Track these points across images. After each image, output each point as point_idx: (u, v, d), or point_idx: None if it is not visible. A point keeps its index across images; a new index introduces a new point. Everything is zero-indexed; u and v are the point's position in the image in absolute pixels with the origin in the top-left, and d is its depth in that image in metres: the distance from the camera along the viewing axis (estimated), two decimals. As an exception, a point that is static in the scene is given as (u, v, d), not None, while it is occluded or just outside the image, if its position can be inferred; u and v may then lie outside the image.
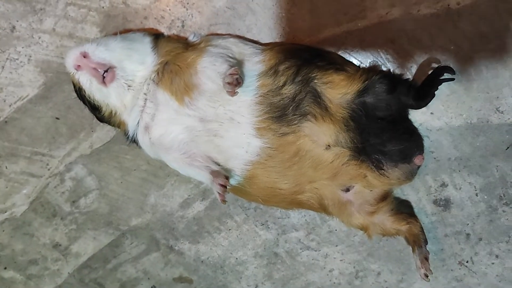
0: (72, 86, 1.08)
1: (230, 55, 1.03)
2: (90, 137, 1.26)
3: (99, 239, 1.33)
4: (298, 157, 1.02)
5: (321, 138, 1.00)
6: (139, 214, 1.30)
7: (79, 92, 1.05)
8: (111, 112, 1.05)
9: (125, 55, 1.02)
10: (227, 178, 0.99)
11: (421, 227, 1.12)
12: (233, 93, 0.94)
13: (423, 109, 1.11)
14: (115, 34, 1.08)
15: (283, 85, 1.00)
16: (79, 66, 1.01)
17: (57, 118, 1.25)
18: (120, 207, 1.30)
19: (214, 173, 0.99)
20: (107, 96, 1.03)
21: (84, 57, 1.00)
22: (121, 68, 1.02)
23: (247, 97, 1.00)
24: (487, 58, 1.09)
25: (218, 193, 0.97)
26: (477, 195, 1.16)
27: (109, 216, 1.31)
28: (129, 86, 1.02)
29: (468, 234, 1.19)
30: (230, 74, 0.94)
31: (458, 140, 1.14)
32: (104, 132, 1.26)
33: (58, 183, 1.30)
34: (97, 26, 1.19)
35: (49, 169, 1.29)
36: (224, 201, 0.97)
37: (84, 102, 1.07)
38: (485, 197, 1.16)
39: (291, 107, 0.99)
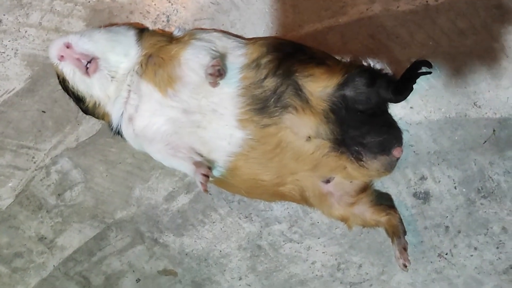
0: (57, 79, 1.09)
1: (213, 48, 1.05)
2: (76, 131, 1.27)
3: (84, 232, 1.34)
4: (279, 149, 1.04)
5: (302, 130, 1.02)
6: (124, 207, 1.31)
7: (63, 83, 1.07)
8: (95, 103, 1.07)
9: (108, 47, 1.04)
10: (209, 168, 1.00)
11: (400, 218, 1.14)
12: (215, 84, 0.97)
13: (403, 103, 1.14)
14: (100, 27, 1.09)
15: (265, 78, 1.02)
16: (62, 56, 1.03)
17: (43, 112, 1.27)
18: (105, 200, 1.31)
19: (197, 164, 1.01)
20: (90, 87, 1.05)
21: (68, 47, 1.02)
22: (105, 59, 1.04)
23: (230, 89, 1.02)
24: (465, 53, 1.12)
25: (201, 182, 0.99)
26: (455, 188, 1.19)
27: (94, 209, 1.32)
28: (112, 77, 1.04)
29: (447, 227, 1.21)
30: (212, 66, 0.97)
31: (437, 134, 1.17)
32: (90, 126, 1.27)
33: (44, 176, 1.31)
34: (83, 20, 1.21)
35: (35, 162, 1.30)
36: (206, 190, 0.99)
37: (68, 93, 1.09)
38: (464, 190, 1.19)
39: (273, 99, 1.01)
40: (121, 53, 1.05)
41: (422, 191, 1.20)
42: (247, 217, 1.28)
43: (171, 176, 1.28)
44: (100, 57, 1.03)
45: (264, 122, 1.02)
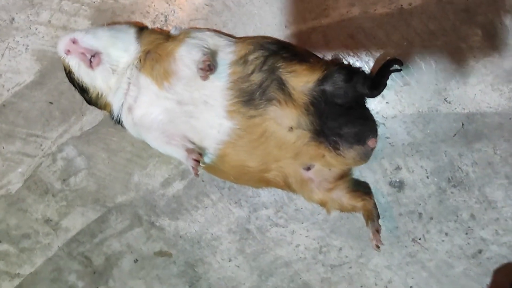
0: (64, 72, 1.18)
1: (205, 45, 1.12)
2: (80, 121, 1.35)
3: (87, 215, 1.42)
4: (264, 138, 1.11)
5: (285, 121, 1.10)
6: (124, 192, 1.38)
7: (69, 75, 1.15)
8: (98, 94, 1.15)
9: (110, 43, 1.13)
10: (200, 154, 1.08)
11: (375, 204, 1.22)
12: (205, 78, 1.05)
13: (379, 98, 1.22)
14: (104, 25, 1.18)
15: (252, 73, 1.10)
16: (68, 50, 1.11)
17: (51, 103, 1.35)
18: (107, 185, 1.39)
19: (189, 150, 1.09)
20: (94, 79, 1.13)
21: (74, 43, 1.11)
22: (107, 54, 1.12)
23: (220, 83, 1.09)
24: (436, 53, 1.19)
25: (192, 167, 1.06)
26: (428, 178, 1.26)
27: (96, 194, 1.40)
28: (113, 70, 1.12)
29: (420, 214, 1.29)
30: (203, 61, 1.05)
31: (411, 127, 1.24)
32: (93, 116, 1.34)
33: (50, 163, 1.38)
34: (89, 19, 1.29)
35: (42, 150, 1.38)
36: (197, 174, 1.06)
37: (73, 85, 1.17)
38: (435, 179, 1.26)
39: (258, 93, 1.09)
40: (121, 49, 1.13)
41: (397, 180, 1.27)
42: (236, 202, 1.35)
43: (167, 163, 1.35)
44: (103, 52, 1.12)
45: (250, 113, 1.09)
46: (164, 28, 1.28)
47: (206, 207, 1.37)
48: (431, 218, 1.29)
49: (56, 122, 1.36)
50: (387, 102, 1.24)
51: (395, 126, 1.24)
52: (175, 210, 1.38)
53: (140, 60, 1.13)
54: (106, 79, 1.13)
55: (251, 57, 1.12)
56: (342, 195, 1.19)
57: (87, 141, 1.37)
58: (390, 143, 1.26)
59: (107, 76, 1.13)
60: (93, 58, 1.11)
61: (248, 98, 1.10)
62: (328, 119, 1.11)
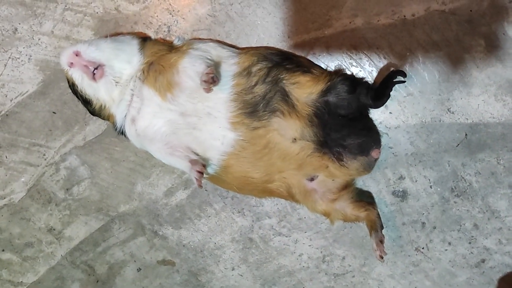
0: (67, 83, 1.17)
1: (209, 57, 1.12)
2: (83, 130, 1.34)
3: (90, 224, 1.41)
4: (267, 149, 1.11)
5: (288, 132, 1.09)
6: (127, 201, 1.38)
7: (72, 87, 1.14)
8: (101, 105, 1.15)
9: (113, 55, 1.12)
10: (204, 165, 1.07)
11: (378, 214, 1.22)
12: (208, 90, 1.05)
13: (383, 108, 1.21)
14: (106, 36, 1.18)
15: (255, 85, 1.10)
16: (72, 63, 1.11)
17: (54, 113, 1.34)
18: (110, 194, 1.38)
19: (192, 162, 1.08)
20: (97, 91, 1.12)
21: (77, 55, 1.10)
22: (110, 66, 1.11)
23: (223, 95, 1.09)
24: (439, 63, 1.19)
25: (196, 178, 1.06)
26: (431, 187, 1.26)
27: (99, 203, 1.39)
28: (116, 82, 1.12)
29: (423, 223, 1.28)
30: (207, 73, 1.04)
31: (414, 137, 1.23)
32: (96, 126, 1.34)
33: (53, 172, 1.38)
34: (92, 29, 1.29)
35: (45, 159, 1.37)
36: (200, 186, 1.06)
37: (77, 96, 1.16)
38: (438, 189, 1.25)
39: (262, 104, 1.09)
40: (124, 61, 1.13)
41: (401, 190, 1.27)
42: (239, 212, 1.35)
43: (170, 173, 1.34)
44: (106, 64, 1.11)
45: (254, 124, 1.09)
46: (167, 38, 1.28)
47: (209, 216, 1.37)
48: (434, 228, 1.28)
49: (59, 131, 1.36)
50: (390, 113, 1.24)
51: (399, 136, 1.24)
52: (178, 219, 1.38)
53: (143, 72, 1.13)
54: (109, 91, 1.13)
55: (254, 69, 1.12)
56: (345, 206, 1.19)
57: (90, 150, 1.36)
58: (393, 153, 1.26)
59: (110, 88, 1.13)
60: (96, 71, 1.11)
61: (252, 110, 1.10)
62: (331, 130, 1.11)
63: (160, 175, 1.36)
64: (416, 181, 1.26)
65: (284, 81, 1.10)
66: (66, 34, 1.30)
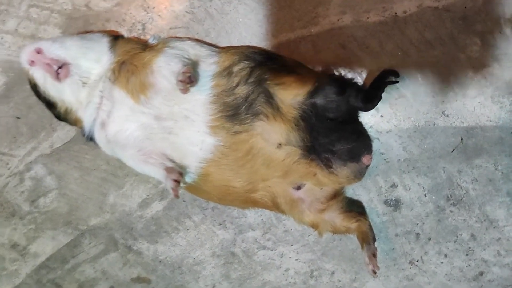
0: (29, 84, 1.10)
1: (186, 56, 1.06)
2: (50, 137, 1.28)
3: (58, 239, 1.33)
4: (250, 155, 1.05)
5: (273, 137, 1.03)
6: (98, 213, 1.31)
7: (34, 88, 1.08)
8: (67, 108, 1.08)
9: (80, 53, 1.06)
10: (180, 174, 1.01)
11: (370, 225, 1.15)
12: (185, 91, 0.99)
13: (373, 112, 1.16)
14: (74, 34, 1.11)
15: (237, 86, 1.03)
16: (32, 61, 1.04)
17: (18, 118, 1.27)
18: (79, 206, 1.31)
19: (168, 169, 1.02)
20: (62, 92, 1.06)
21: (38, 53, 1.04)
22: (76, 65, 1.05)
23: (202, 96, 1.03)
24: (433, 63, 1.14)
25: (172, 188, 0.99)
26: (425, 196, 1.20)
27: (68, 216, 1.32)
28: (84, 83, 1.06)
29: (417, 234, 1.22)
30: (183, 73, 0.98)
31: (407, 142, 1.18)
32: (65, 132, 1.27)
33: (17, 183, 1.31)
34: (59, 27, 1.22)
35: (9, 168, 1.30)
36: (177, 196, 1.00)
37: (40, 99, 1.09)
38: (433, 197, 1.20)
39: (244, 107, 1.03)
40: (92, 59, 1.06)
41: (393, 199, 1.22)
42: (221, 224, 1.28)
43: (145, 183, 1.28)
44: (72, 62, 1.05)
45: (235, 129, 1.03)
46: (142, 37, 1.21)
47: (187, 229, 1.30)
48: (429, 239, 1.23)
49: (24, 138, 1.28)
50: (381, 116, 1.18)
51: (390, 141, 1.19)
52: (154, 232, 1.31)
53: (114, 72, 1.06)
54: (75, 92, 1.06)
55: (236, 69, 1.05)
56: (335, 216, 1.13)
57: (57, 159, 1.29)
58: (385, 159, 1.20)
59: (76, 89, 1.06)
60: (60, 70, 1.04)
61: (233, 113, 1.03)
62: (319, 135, 1.05)
63: (134, 185, 1.29)
64: (409, 189, 1.21)
65: (268, 82, 1.04)
66: (32, 33, 1.23)
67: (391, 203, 1.22)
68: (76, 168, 1.29)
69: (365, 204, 1.22)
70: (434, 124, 1.17)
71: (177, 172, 1.01)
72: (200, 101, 1.03)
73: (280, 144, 1.04)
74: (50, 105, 1.09)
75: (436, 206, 1.21)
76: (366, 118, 1.18)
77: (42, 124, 1.27)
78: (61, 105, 1.08)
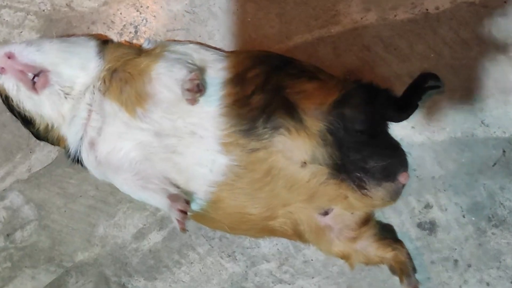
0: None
1: (190, 61, 0.96)
2: (27, 159, 1.19)
3: (39, 278, 1.22)
4: (270, 177, 0.93)
5: (296, 154, 0.91)
6: (86, 247, 1.21)
7: (6, 101, 0.97)
8: (47, 125, 0.97)
9: (61, 58, 0.95)
10: (187, 202, 0.90)
11: (408, 253, 1.04)
12: (193, 101, 0.88)
13: (404, 123, 1.05)
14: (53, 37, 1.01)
15: (252, 94, 0.92)
16: (3, 68, 0.93)
17: None
18: (64, 240, 1.21)
19: (172, 197, 0.90)
20: (40, 106, 0.95)
21: (10, 58, 0.93)
22: (56, 72, 0.94)
23: (211, 108, 0.91)
24: (470, 66, 1.06)
25: (178, 220, 0.87)
26: (464, 217, 1.10)
27: (50, 251, 1.22)
28: (66, 93, 0.95)
29: (456, 260, 1.12)
30: (190, 80, 0.87)
31: (442, 157, 1.09)
32: (45, 154, 1.18)
33: None
34: (37, 31, 1.12)
35: None
36: (184, 229, 0.88)
37: (14, 114, 0.99)
38: (473, 218, 1.10)
39: (261, 119, 0.91)
40: (76, 66, 0.96)
41: (428, 221, 1.11)
42: (230, 255, 1.17)
43: (141, 210, 1.17)
44: (51, 69, 0.94)
45: (252, 145, 0.91)
46: (134, 41, 1.11)
47: (191, 263, 1.18)
48: (469, 266, 1.12)
49: None
50: (412, 127, 1.08)
51: (424, 156, 1.09)
52: (152, 268, 1.19)
53: (104, 81, 0.95)
54: (56, 105, 0.95)
55: (249, 75, 0.94)
56: (368, 245, 1.01)
57: (37, 185, 1.19)
58: (417, 177, 1.09)
59: (57, 102, 0.95)
60: (37, 78, 0.93)
61: (249, 127, 0.91)
62: (350, 151, 0.93)
63: (128, 213, 1.18)
64: (445, 209, 1.10)
65: (287, 90, 0.93)
66: (4, 38, 1.14)
67: (426, 226, 1.11)
68: (59, 195, 1.19)
69: (396, 228, 1.11)
70: (473, 135, 1.07)
71: (184, 201, 0.89)
72: (208, 113, 0.91)
73: (304, 163, 0.92)
74: (26, 121, 0.97)
75: (476, 228, 1.10)
76: (395, 130, 1.07)
77: (18, 144, 1.18)
78: (40, 121, 0.97)
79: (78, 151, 0.97)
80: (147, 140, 0.92)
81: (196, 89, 0.86)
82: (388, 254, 1.01)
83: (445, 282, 1.12)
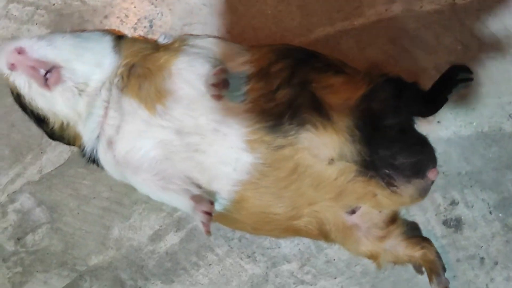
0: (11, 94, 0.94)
1: (211, 55, 0.91)
2: (39, 160, 1.15)
3: (51, 283, 1.20)
4: (296, 175, 0.89)
5: (323, 151, 0.87)
6: (100, 251, 1.18)
7: (18, 99, 0.92)
8: (62, 123, 0.93)
9: (74, 54, 0.90)
10: (211, 203, 0.85)
11: (437, 252, 1.01)
12: (219, 97, 0.83)
13: (430, 117, 1.01)
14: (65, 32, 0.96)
15: (277, 89, 0.88)
16: (13, 64, 0.88)
17: None
18: (77, 243, 1.19)
19: (196, 198, 0.86)
20: (53, 103, 0.90)
21: (20, 53, 0.88)
22: (69, 68, 0.89)
23: (234, 104, 0.87)
24: (497, 59, 1.03)
25: (203, 222, 0.83)
26: (491, 213, 1.07)
27: (63, 255, 1.19)
28: (80, 90, 0.90)
29: (482, 258, 1.09)
30: (215, 74, 0.82)
31: (469, 152, 1.06)
32: (56, 154, 1.15)
33: None
34: (47, 27, 1.08)
35: None
36: (209, 232, 0.84)
37: (26, 113, 0.94)
38: (500, 215, 1.07)
39: (287, 115, 0.87)
40: (91, 63, 0.91)
41: (453, 218, 1.08)
42: (250, 256, 1.13)
43: (157, 211, 1.14)
44: (63, 65, 0.89)
45: (278, 142, 0.87)
46: (149, 36, 1.07)
47: (210, 265, 1.15)
48: (496, 263, 1.10)
49: (5, 163, 1.16)
50: (438, 122, 1.06)
51: (450, 151, 1.06)
52: (169, 270, 1.16)
53: (122, 77, 0.90)
54: (70, 102, 0.90)
55: (274, 68, 0.90)
56: (396, 244, 0.98)
57: (48, 186, 1.16)
58: (443, 173, 1.06)
59: (71, 99, 0.90)
60: (49, 74, 0.88)
61: (274, 123, 0.87)
62: (379, 147, 0.89)
63: (143, 215, 1.14)
64: (472, 206, 1.08)
65: (313, 84, 0.89)
66: (12, 34, 1.10)
67: (452, 223, 1.09)
68: (71, 197, 1.16)
69: (421, 226, 1.09)
70: (500, 130, 1.05)
71: (208, 202, 0.85)
72: (232, 110, 0.87)
73: (332, 160, 0.88)
74: (40, 120, 0.93)
75: (503, 225, 1.08)
76: (421, 125, 1.03)
77: (28, 144, 1.14)
78: (54, 119, 0.92)
79: (95, 150, 0.93)
80: (168, 139, 0.88)
81: (222, 84, 0.81)
82: (417, 252, 0.98)
83: (471, 280, 1.10)
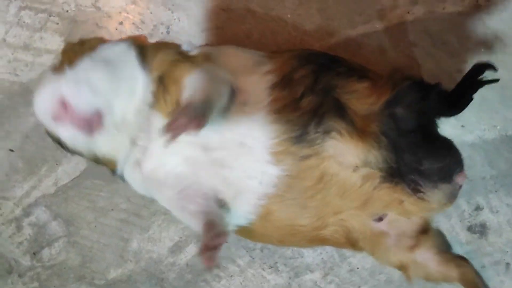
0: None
1: (222, 75, 0.88)
2: (54, 172, 1.15)
3: None
4: (322, 184, 0.87)
5: (348, 159, 0.86)
6: (119, 264, 1.18)
7: (58, 142, 0.89)
8: (95, 157, 0.91)
9: (111, 91, 0.85)
10: (223, 235, 0.79)
11: (476, 271, 0.98)
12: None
13: (453, 121, 1.03)
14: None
15: (301, 97, 0.86)
16: (57, 117, 0.84)
17: (11, 150, 1.15)
18: (95, 256, 1.18)
19: (207, 227, 0.80)
20: (92, 146, 0.87)
21: (65, 106, 0.83)
22: (109, 110, 0.85)
23: (259, 116, 0.85)
24: None
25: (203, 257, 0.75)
26: None
27: (80, 269, 1.19)
28: (118, 129, 0.87)
29: (508, 264, 1.09)
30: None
31: (493, 156, 1.05)
32: (72, 165, 1.14)
33: (14, 232, 1.20)
34: (60, 34, 1.07)
35: (2, 215, 1.19)
36: (211, 268, 0.76)
37: (63, 149, 0.91)
38: None
39: (313, 123, 0.85)
40: (127, 93, 0.86)
41: (478, 224, 1.08)
42: (272, 267, 1.13)
43: (177, 222, 1.14)
44: (104, 109, 0.85)
45: (304, 152, 0.85)
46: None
47: (231, 276, 1.14)
48: None
49: (19, 176, 1.16)
50: (462, 126, 1.04)
51: (474, 156, 1.05)
52: (190, 283, 1.16)
53: (154, 95, 0.87)
54: (109, 142, 0.88)
55: (297, 75, 0.88)
56: (428, 258, 0.95)
57: (64, 199, 1.16)
58: (467, 178, 1.02)
59: (110, 139, 0.88)
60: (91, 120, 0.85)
61: (300, 133, 0.85)
62: (404, 152, 0.87)
63: (163, 226, 1.14)
64: (497, 211, 1.07)
65: (337, 90, 0.87)
66: (24, 42, 1.09)
67: (476, 229, 1.08)
68: (88, 209, 1.15)
69: (445, 232, 1.07)
70: None
71: (218, 233, 0.78)
72: (257, 121, 0.85)
73: (356, 167, 0.86)
74: (74, 153, 0.91)
75: None
76: (445, 129, 1.00)
77: (43, 156, 1.14)
78: (88, 155, 0.90)
79: (122, 169, 0.91)
80: (194, 155, 0.86)
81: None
82: (454, 271, 0.95)
83: (497, 286, 1.09)
